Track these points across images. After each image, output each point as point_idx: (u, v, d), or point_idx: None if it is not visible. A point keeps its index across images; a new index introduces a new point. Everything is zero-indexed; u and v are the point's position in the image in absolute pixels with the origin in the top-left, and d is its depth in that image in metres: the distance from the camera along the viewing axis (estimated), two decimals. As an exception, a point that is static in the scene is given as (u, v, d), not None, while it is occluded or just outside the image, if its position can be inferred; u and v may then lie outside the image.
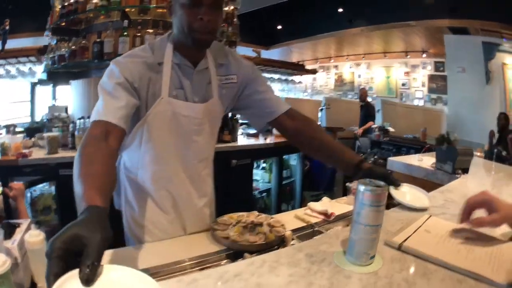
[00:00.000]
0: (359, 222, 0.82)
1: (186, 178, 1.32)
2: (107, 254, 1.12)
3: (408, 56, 8.63)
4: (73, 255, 0.55)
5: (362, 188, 0.81)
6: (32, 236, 0.91)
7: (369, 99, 7.18)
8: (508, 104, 6.16)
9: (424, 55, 8.33)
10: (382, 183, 0.82)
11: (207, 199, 1.42)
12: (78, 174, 0.79)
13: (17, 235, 0.93)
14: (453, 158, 2.22)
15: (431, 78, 8.36)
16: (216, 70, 1.26)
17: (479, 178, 2.02)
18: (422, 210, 1.31)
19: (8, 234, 0.92)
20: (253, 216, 1.41)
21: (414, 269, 0.86)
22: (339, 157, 1.27)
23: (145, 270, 0.99)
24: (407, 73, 8.83)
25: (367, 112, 6.60)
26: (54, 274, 0.53)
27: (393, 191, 1.28)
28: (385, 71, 9.27)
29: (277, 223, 1.35)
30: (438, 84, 8.18)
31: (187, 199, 1.34)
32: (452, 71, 6.60)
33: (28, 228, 0.99)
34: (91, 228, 0.58)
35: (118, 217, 1.39)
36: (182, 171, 1.30)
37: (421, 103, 8.53)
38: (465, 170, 2.13)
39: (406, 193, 1.37)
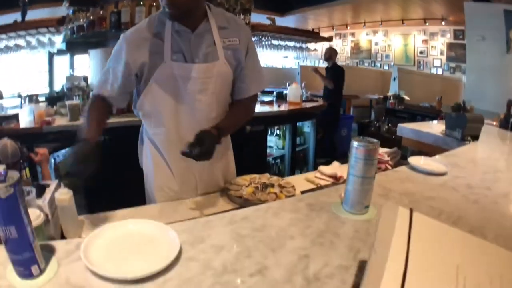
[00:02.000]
0: (354, 174, 0.92)
1: None
2: (128, 211, 1.26)
3: (427, 24, 8.32)
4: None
5: (355, 144, 0.90)
6: (61, 194, 1.03)
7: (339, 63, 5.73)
8: (528, 73, 5.98)
9: (444, 23, 8.03)
10: (374, 140, 0.90)
11: (220, 161, 1.49)
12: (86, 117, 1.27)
13: (47, 195, 1.04)
14: (463, 124, 2.23)
15: (450, 46, 8.11)
16: (219, 33, 1.33)
17: (492, 146, 2.03)
18: (441, 174, 1.37)
19: (39, 193, 1.04)
20: (265, 178, 1.52)
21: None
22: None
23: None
24: (425, 41, 8.58)
25: (334, 74, 5.22)
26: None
27: (410, 159, 1.44)
28: (403, 39, 9.01)
29: (287, 184, 1.45)
30: (457, 52, 7.94)
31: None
32: (471, 39, 6.35)
33: (57, 188, 1.10)
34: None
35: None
36: (192, 130, 1.33)
37: (439, 71, 8.34)
38: (475, 137, 2.14)
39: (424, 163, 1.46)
